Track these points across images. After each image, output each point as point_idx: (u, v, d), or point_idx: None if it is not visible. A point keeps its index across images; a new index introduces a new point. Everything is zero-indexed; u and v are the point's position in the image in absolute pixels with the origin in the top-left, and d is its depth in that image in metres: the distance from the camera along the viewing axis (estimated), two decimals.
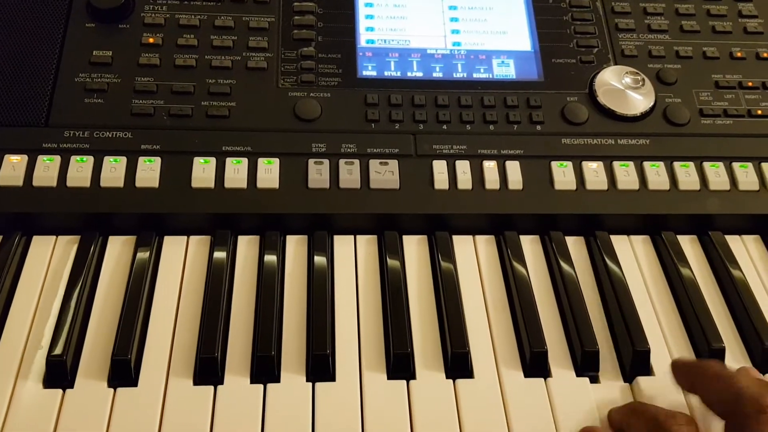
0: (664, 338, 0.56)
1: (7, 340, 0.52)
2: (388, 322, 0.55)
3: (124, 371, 0.50)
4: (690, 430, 0.45)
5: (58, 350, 0.50)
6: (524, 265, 0.59)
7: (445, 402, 0.51)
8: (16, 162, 0.59)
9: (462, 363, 0.52)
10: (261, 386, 0.50)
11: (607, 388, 0.53)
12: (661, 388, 0.52)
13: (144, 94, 0.64)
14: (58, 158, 0.60)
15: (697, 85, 0.70)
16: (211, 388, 0.50)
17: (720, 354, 0.54)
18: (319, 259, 0.58)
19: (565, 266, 0.59)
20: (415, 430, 0.49)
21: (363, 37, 0.69)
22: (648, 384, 0.52)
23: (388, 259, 0.59)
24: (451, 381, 0.52)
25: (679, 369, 0.50)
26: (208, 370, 0.51)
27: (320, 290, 0.56)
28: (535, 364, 0.53)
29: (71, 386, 0.50)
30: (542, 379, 0.53)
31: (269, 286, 0.55)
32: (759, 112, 0.69)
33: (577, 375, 0.53)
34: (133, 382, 0.50)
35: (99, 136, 0.61)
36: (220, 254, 0.57)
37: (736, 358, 0.55)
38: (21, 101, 0.62)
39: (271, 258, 0.58)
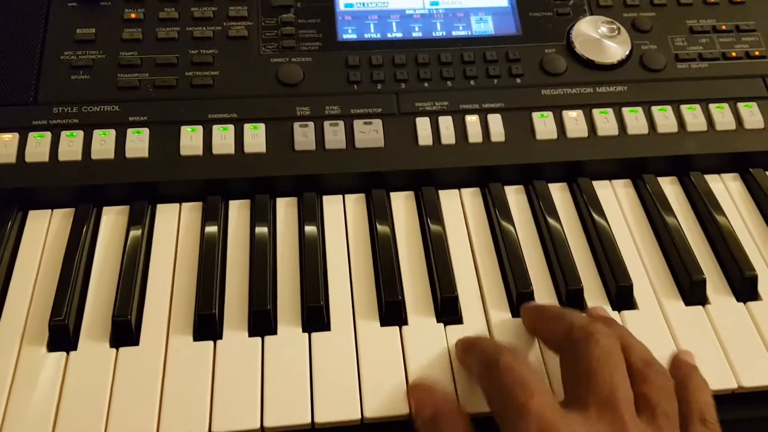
0: (647, 274, 0.58)
1: (9, 309, 0.54)
2: (378, 273, 0.56)
3: (125, 331, 0.52)
4: (515, 358, 0.44)
5: (59, 314, 0.52)
6: (509, 215, 0.61)
7: (437, 345, 0.52)
8: (8, 140, 0.60)
9: (452, 307, 0.54)
10: (259, 339, 0.52)
11: None
12: (644, 320, 0.54)
13: (129, 68, 0.65)
14: (48, 134, 0.61)
15: (672, 31, 0.71)
16: (211, 343, 0.52)
17: (701, 286, 0.56)
18: (309, 219, 0.59)
19: (549, 214, 0.61)
20: (409, 372, 0.50)
21: (342, 1, 0.71)
22: (631, 317, 0.54)
23: (376, 216, 0.60)
24: (442, 325, 0.53)
25: (525, 313, 0.52)
26: (207, 326, 0.52)
27: (312, 247, 0.57)
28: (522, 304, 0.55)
29: (74, 348, 0.51)
30: None
31: (262, 244, 0.57)
32: (733, 54, 0.70)
33: None
34: (134, 341, 0.52)
35: (87, 111, 0.63)
36: (212, 219, 0.59)
37: (717, 289, 0.57)
38: (8, 81, 0.63)
39: (262, 219, 0.59)
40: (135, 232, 0.58)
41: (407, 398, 0.49)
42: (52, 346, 0.51)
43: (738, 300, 0.56)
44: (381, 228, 0.59)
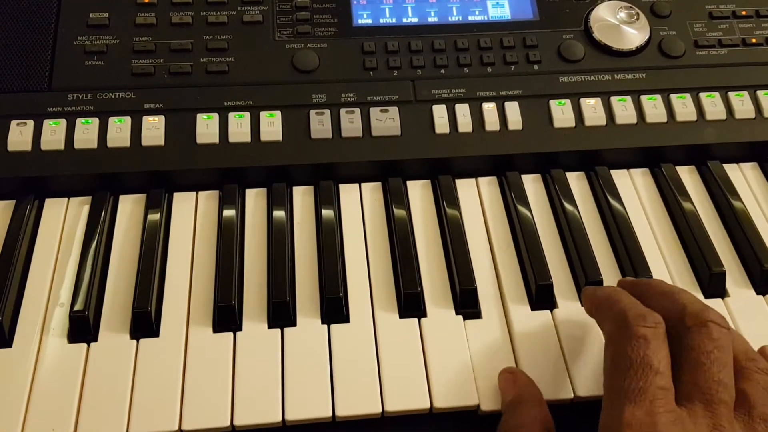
0: (666, 266, 0.58)
1: (29, 299, 0.54)
2: (397, 264, 0.56)
3: (145, 322, 0.52)
4: (656, 333, 0.42)
5: (79, 306, 0.52)
6: (527, 204, 0.61)
7: (456, 337, 0.52)
8: (23, 127, 0.60)
9: (470, 299, 0.54)
10: (278, 330, 0.52)
11: None
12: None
13: (143, 54, 0.64)
14: (63, 122, 0.61)
15: (691, 16, 0.70)
16: (231, 334, 0.52)
17: (721, 278, 0.56)
18: (326, 208, 0.59)
19: (567, 203, 0.60)
20: (428, 364, 0.51)
21: None
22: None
23: (393, 205, 0.60)
24: (460, 317, 0.54)
25: (625, 286, 0.50)
26: (227, 317, 0.52)
27: (329, 237, 0.57)
28: (541, 297, 0.55)
29: (95, 340, 0.52)
30: (548, 311, 0.54)
31: (279, 235, 0.57)
32: (753, 40, 0.69)
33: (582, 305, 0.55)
34: (154, 332, 0.52)
35: (102, 98, 0.62)
36: (229, 207, 0.59)
37: (736, 281, 0.57)
38: (22, 68, 0.63)
39: (279, 209, 0.59)
40: (153, 221, 0.58)
41: (498, 383, 0.49)
42: (73, 338, 0.52)
43: (757, 293, 0.56)
44: (398, 218, 0.59)
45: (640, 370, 0.41)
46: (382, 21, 0.68)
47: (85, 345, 0.51)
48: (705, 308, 0.44)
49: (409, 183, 0.63)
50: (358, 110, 0.63)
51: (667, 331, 0.44)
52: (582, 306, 0.51)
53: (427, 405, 0.49)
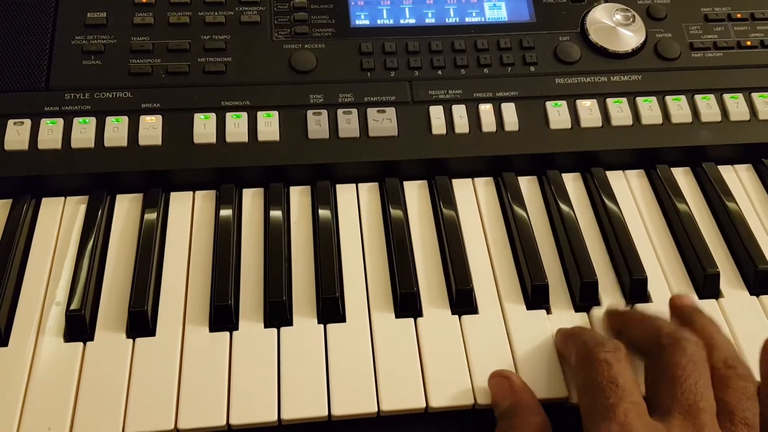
0: (661, 267, 0.58)
1: (25, 298, 0.54)
2: (393, 264, 0.56)
3: (141, 322, 0.52)
4: (616, 357, 0.44)
5: (75, 305, 0.52)
6: (523, 205, 0.61)
7: (452, 337, 0.52)
8: (20, 126, 0.60)
9: (466, 299, 0.54)
10: (275, 330, 0.52)
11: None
12: (657, 313, 0.54)
13: (140, 54, 0.64)
14: (60, 121, 0.61)
15: (687, 19, 0.70)
16: (227, 334, 0.52)
17: (715, 279, 0.56)
18: (323, 208, 0.59)
19: (562, 204, 0.61)
20: (424, 364, 0.51)
21: None
22: (645, 310, 0.54)
23: (390, 205, 0.60)
24: (456, 317, 0.54)
25: (610, 317, 0.52)
26: (223, 317, 0.52)
27: (326, 237, 0.57)
28: (537, 297, 0.55)
29: (91, 339, 0.52)
30: (544, 311, 0.54)
31: (276, 235, 0.57)
32: (748, 43, 0.69)
33: (577, 306, 0.55)
34: (151, 332, 0.52)
35: (99, 97, 0.62)
36: (226, 207, 0.59)
37: (730, 283, 0.57)
38: (20, 66, 0.63)
39: (276, 208, 0.59)
40: (149, 221, 0.58)
41: (488, 385, 0.49)
42: (70, 336, 0.52)
43: (751, 293, 0.56)
44: (395, 218, 0.59)
45: (607, 389, 0.42)
46: (379, 22, 0.68)
47: (81, 344, 0.51)
48: (678, 328, 0.46)
49: (406, 183, 0.63)
50: (355, 111, 0.63)
51: (647, 354, 0.46)
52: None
53: (423, 405, 0.49)
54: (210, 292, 0.54)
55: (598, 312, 0.54)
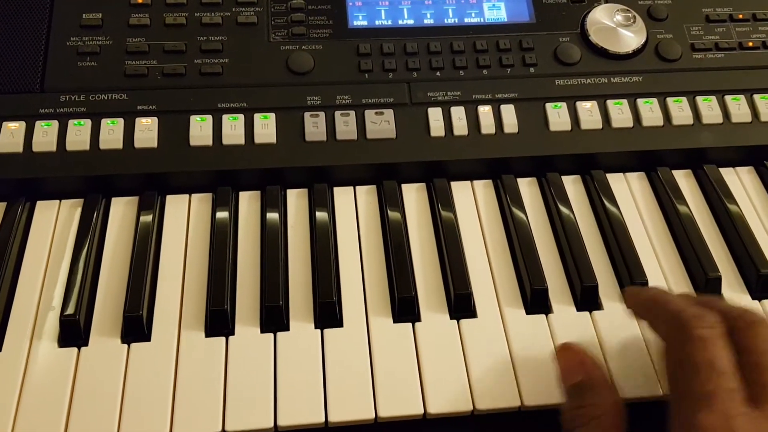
0: (662, 271, 0.57)
1: (19, 303, 0.53)
2: (391, 268, 0.56)
3: (136, 327, 0.51)
4: (714, 333, 0.41)
5: (70, 310, 0.51)
6: (522, 207, 0.60)
7: (451, 341, 0.52)
8: (15, 129, 0.60)
9: (465, 303, 0.54)
10: (271, 335, 0.52)
11: (609, 318, 0.54)
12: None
13: (136, 55, 0.64)
14: (55, 123, 0.60)
15: (688, 19, 0.70)
16: (223, 339, 0.51)
17: (717, 283, 0.55)
18: (321, 211, 0.59)
19: (562, 206, 0.60)
20: (422, 369, 0.50)
21: None
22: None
23: (388, 208, 0.59)
24: (455, 321, 0.53)
25: (629, 297, 0.50)
26: (219, 321, 0.52)
27: (323, 240, 0.57)
28: (536, 301, 0.54)
29: (86, 344, 0.51)
30: (543, 315, 0.54)
31: (273, 238, 0.56)
32: (750, 44, 0.69)
33: (578, 310, 0.54)
34: (146, 337, 0.51)
35: (95, 99, 0.62)
36: (222, 210, 0.58)
37: (732, 286, 0.56)
38: (14, 68, 0.62)
39: (273, 212, 0.58)
40: (145, 224, 0.57)
41: (555, 359, 0.48)
42: (64, 342, 0.51)
43: (753, 297, 0.56)
44: (393, 221, 0.59)
45: (705, 373, 0.40)
46: (377, 23, 0.68)
47: (75, 349, 0.51)
48: (746, 310, 0.43)
49: (404, 186, 0.62)
50: (353, 112, 0.62)
51: (665, 335, 0.44)
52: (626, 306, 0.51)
53: (421, 411, 0.48)
54: (206, 297, 0.53)
55: (599, 316, 0.54)
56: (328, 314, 0.53)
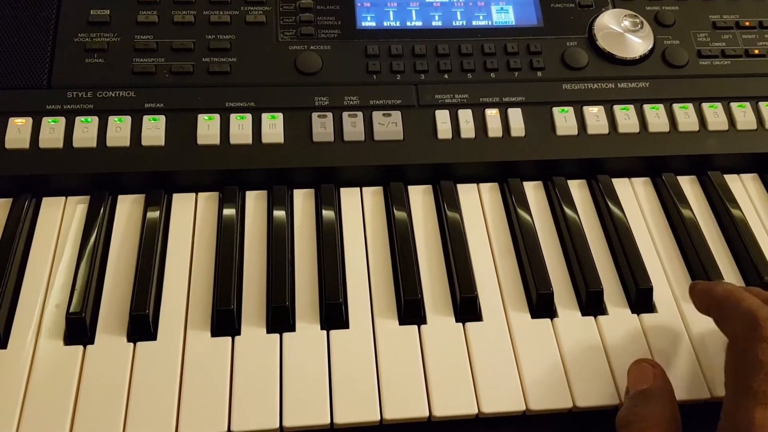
0: (666, 276, 0.57)
1: (24, 300, 0.53)
2: (397, 270, 0.56)
3: (142, 326, 0.51)
4: None
5: (75, 308, 0.51)
6: (528, 211, 0.60)
7: (456, 344, 0.52)
8: (21, 125, 0.59)
9: (471, 307, 0.54)
10: (277, 335, 0.52)
11: (614, 323, 0.54)
12: (663, 325, 0.54)
13: (144, 53, 0.64)
14: (62, 119, 0.60)
15: (695, 26, 0.70)
16: (229, 339, 0.51)
17: None
18: (327, 212, 0.59)
19: (568, 210, 0.60)
20: (428, 372, 0.50)
21: None
22: (651, 320, 0.54)
23: (394, 209, 0.59)
24: (460, 324, 0.53)
25: (696, 292, 0.50)
26: (225, 321, 0.52)
27: (330, 241, 0.57)
28: (542, 306, 0.54)
29: (91, 342, 0.51)
30: (549, 320, 0.54)
31: (279, 238, 0.56)
32: (756, 51, 0.69)
33: (583, 314, 0.55)
34: (152, 336, 0.51)
35: (102, 96, 0.61)
36: (229, 209, 0.58)
37: None
38: (22, 64, 0.62)
39: (279, 212, 0.58)
40: (151, 222, 0.57)
41: (628, 371, 0.49)
42: (70, 340, 0.51)
43: None
44: (399, 223, 0.59)
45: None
46: (386, 24, 0.68)
47: (81, 347, 0.51)
48: None
49: (410, 188, 0.62)
50: (360, 114, 0.62)
51: (738, 337, 0.44)
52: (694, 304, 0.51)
53: (426, 413, 0.48)
54: (212, 296, 0.53)
55: (604, 320, 0.54)
56: (334, 316, 0.53)
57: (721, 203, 0.62)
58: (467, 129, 0.63)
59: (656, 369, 0.49)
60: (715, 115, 0.65)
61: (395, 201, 0.60)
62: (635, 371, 0.49)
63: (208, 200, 0.60)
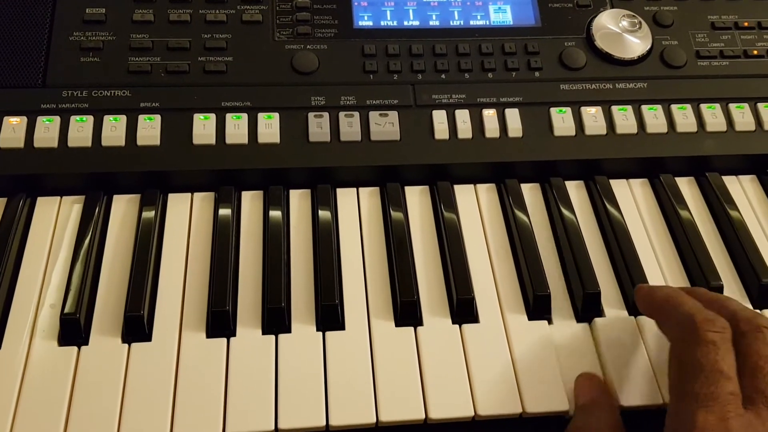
0: (664, 278, 0.57)
1: (18, 300, 0.53)
2: (393, 271, 0.56)
3: (137, 327, 0.51)
4: (723, 338, 0.43)
5: (70, 308, 0.51)
6: (525, 212, 0.60)
7: (452, 346, 0.52)
8: (16, 124, 0.59)
9: (467, 308, 0.54)
10: (273, 337, 0.51)
11: (609, 324, 0.54)
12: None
13: (140, 52, 0.63)
14: (57, 119, 0.60)
15: (694, 26, 0.70)
16: (224, 340, 0.51)
17: (718, 291, 0.55)
18: (324, 212, 0.58)
19: (565, 212, 0.60)
20: (424, 374, 0.50)
21: None
22: (646, 322, 0.54)
23: (391, 210, 0.59)
24: (457, 326, 0.53)
25: (639, 296, 0.51)
26: (221, 323, 0.51)
27: (326, 242, 0.56)
28: (539, 307, 0.54)
29: (86, 343, 0.51)
30: (545, 322, 0.54)
31: (275, 239, 0.56)
32: (755, 52, 0.69)
33: (579, 316, 0.54)
34: (146, 337, 0.51)
35: (97, 95, 0.61)
36: (225, 210, 0.58)
37: (734, 295, 0.56)
38: (16, 62, 0.62)
39: (275, 212, 0.58)
40: (147, 222, 0.57)
41: (574, 385, 0.50)
42: (64, 340, 0.51)
43: (755, 307, 0.56)
44: (396, 223, 0.58)
45: (710, 375, 0.41)
46: (383, 23, 0.67)
47: (75, 348, 0.50)
48: (756, 314, 0.45)
49: (407, 188, 0.62)
50: (357, 114, 0.62)
51: (677, 339, 0.45)
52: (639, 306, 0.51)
53: (422, 416, 0.48)
54: (207, 297, 0.53)
55: (601, 322, 0.54)
56: (330, 317, 0.52)
57: (719, 204, 0.62)
58: (464, 129, 0.62)
59: (594, 380, 0.49)
60: (713, 116, 0.65)
61: (392, 201, 0.60)
62: (576, 386, 0.50)
63: (203, 200, 0.60)
